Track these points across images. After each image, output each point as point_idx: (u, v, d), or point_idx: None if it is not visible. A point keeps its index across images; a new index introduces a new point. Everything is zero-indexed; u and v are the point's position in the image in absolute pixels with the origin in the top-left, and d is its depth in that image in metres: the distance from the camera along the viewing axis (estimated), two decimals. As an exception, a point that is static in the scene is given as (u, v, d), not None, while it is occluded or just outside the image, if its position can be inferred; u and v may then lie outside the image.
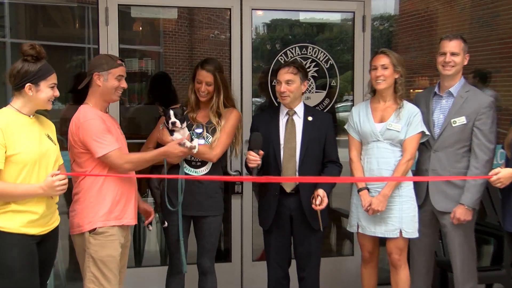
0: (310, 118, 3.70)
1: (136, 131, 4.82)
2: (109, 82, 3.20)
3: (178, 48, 6.57)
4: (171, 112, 3.40)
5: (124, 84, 3.26)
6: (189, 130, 3.55)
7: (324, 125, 3.73)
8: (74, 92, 4.65)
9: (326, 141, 3.70)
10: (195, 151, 3.44)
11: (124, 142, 3.32)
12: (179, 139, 3.38)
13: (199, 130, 3.64)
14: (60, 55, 6.18)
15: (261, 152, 3.48)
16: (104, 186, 3.16)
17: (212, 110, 3.66)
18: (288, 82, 3.61)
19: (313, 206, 3.54)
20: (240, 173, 4.50)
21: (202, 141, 3.60)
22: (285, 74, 3.62)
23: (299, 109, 3.72)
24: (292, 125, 3.67)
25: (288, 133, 3.66)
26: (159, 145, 3.61)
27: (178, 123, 3.40)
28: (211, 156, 3.60)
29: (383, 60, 3.66)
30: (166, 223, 3.62)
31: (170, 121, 3.40)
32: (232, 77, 4.55)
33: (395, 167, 3.64)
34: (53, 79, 2.89)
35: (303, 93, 3.76)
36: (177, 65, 6.42)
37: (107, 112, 3.33)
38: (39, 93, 2.85)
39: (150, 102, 5.14)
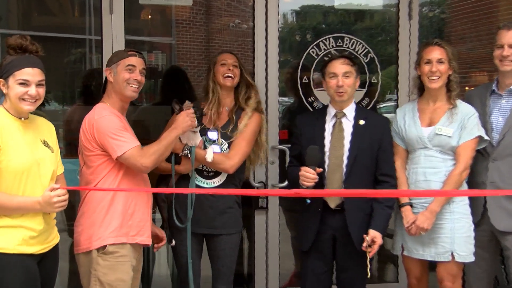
0: (361, 122, 3.69)
1: (143, 135, 4.89)
2: (119, 74, 3.27)
3: (193, 40, 6.65)
4: (192, 110, 3.47)
5: (136, 76, 3.29)
6: (202, 135, 3.61)
7: (378, 130, 3.71)
8: (84, 92, 4.79)
9: (380, 149, 3.68)
10: (209, 160, 3.49)
11: None
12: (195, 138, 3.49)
13: (213, 135, 3.67)
14: (57, 47, 6.27)
15: (319, 169, 3.48)
16: (116, 197, 3.21)
17: (241, 97, 3.75)
18: (346, 75, 3.62)
19: (363, 248, 3.53)
20: (265, 185, 4.53)
21: (217, 148, 3.64)
22: (342, 66, 3.62)
23: (350, 110, 3.71)
24: (340, 130, 3.67)
25: (335, 139, 3.66)
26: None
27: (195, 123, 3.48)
28: (227, 166, 3.63)
29: (438, 53, 3.64)
30: (173, 242, 3.66)
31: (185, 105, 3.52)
32: (255, 72, 4.59)
33: (446, 179, 3.63)
34: (22, 74, 2.87)
35: None
36: (192, 59, 6.48)
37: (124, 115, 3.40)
38: (10, 90, 2.88)
39: (160, 102, 5.21)
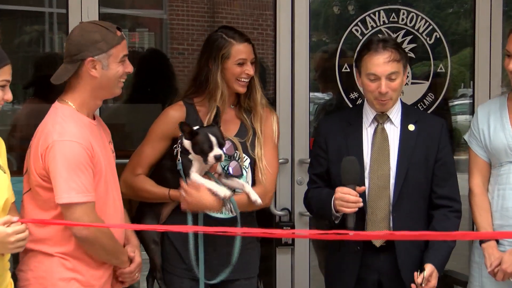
0: (411, 127, 3.71)
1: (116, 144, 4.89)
2: (112, 69, 3.21)
3: (191, 14, 6.66)
4: (213, 138, 3.42)
5: (129, 68, 3.29)
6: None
7: (435, 137, 3.72)
8: (37, 84, 4.82)
9: (437, 163, 3.70)
10: (259, 202, 3.53)
11: (111, 161, 3.36)
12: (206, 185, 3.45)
13: (230, 150, 3.63)
14: (8, 24, 6.32)
15: (361, 188, 3.48)
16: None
17: (259, 104, 3.71)
18: (392, 77, 3.59)
19: (413, 286, 3.51)
20: (291, 213, 4.52)
21: (237, 168, 3.65)
22: (386, 66, 3.58)
23: (395, 112, 3.72)
24: (384, 139, 3.69)
25: (377, 151, 3.68)
26: (158, 170, 3.68)
27: (223, 156, 3.46)
28: (268, 201, 3.74)
29: None
30: None
31: (213, 155, 3.41)
32: (277, 59, 4.64)
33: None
34: None
35: None
36: (190, 40, 6.49)
37: (94, 118, 3.36)
38: None
39: (129, 99, 5.25)
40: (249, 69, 3.62)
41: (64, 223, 3.13)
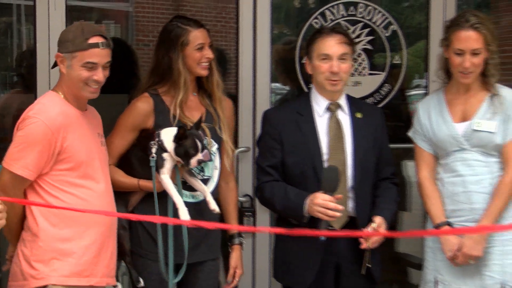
0: (359, 115, 3.77)
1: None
2: (74, 70, 3.24)
3: (156, 7, 6.67)
4: (199, 144, 3.46)
5: (98, 76, 3.27)
6: None
7: (377, 125, 3.82)
8: (20, 75, 4.83)
9: (381, 147, 3.80)
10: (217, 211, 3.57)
11: (98, 151, 3.39)
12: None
13: (204, 156, 3.61)
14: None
15: (339, 196, 3.51)
16: (62, 221, 3.22)
17: (217, 90, 3.75)
18: (343, 57, 3.65)
19: (361, 240, 3.58)
20: (252, 198, 4.57)
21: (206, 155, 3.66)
22: (337, 46, 3.65)
23: (343, 100, 3.78)
24: (339, 127, 3.73)
25: (333, 138, 3.72)
26: (126, 159, 3.70)
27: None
28: (233, 185, 3.94)
29: (474, 41, 3.65)
30: (142, 282, 3.64)
31: (196, 159, 3.46)
32: (240, 50, 4.64)
33: (495, 190, 3.69)
34: None
35: None
36: (155, 32, 6.44)
37: (85, 110, 3.40)
38: None
39: (102, 89, 5.19)
40: (208, 53, 3.67)
41: (37, 204, 3.22)
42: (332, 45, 3.64)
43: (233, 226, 3.92)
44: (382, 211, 3.66)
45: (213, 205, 3.54)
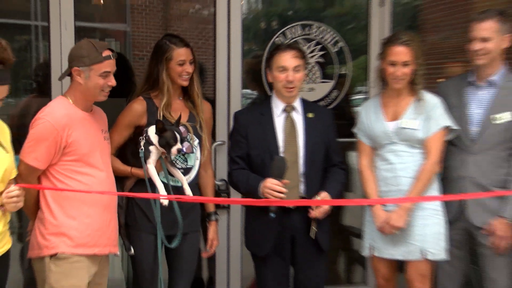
0: (310, 115, 3.79)
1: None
2: (92, 80, 3.24)
3: (149, 27, 6.64)
4: (178, 135, 3.45)
5: (111, 82, 3.29)
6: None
7: (327, 122, 3.83)
8: (37, 82, 4.77)
9: (330, 141, 3.81)
10: (185, 190, 3.56)
11: (100, 144, 3.37)
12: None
13: (187, 148, 3.66)
14: (1, 34, 6.22)
15: (286, 181, 3.53)
16: (69, 202, 3.24)
17: (198, 96, 3.74)
18: (297, 69, 3.67)
19: (309, 210, 3.61)
20: (227, 182, 4.56)
21: (188, 147, 3.67)
22: (292, 59, 3.66)
23: (298, 103, 3.80)
24: (292, 125, 3.75)
25: (288, 134, 3.73)
26: (123, 151, 3.70)
27: (182, 151, 3.52)
28: (210, 172, 3.92)
29: (404, 55, 3.68)
30: (132, 250, 3.65)
31: (176, 148, 3.45)
32: (217, 63, 4.62)
33: (417, 175, 3.73)
34: None
35: None
36: (148, 47, 6.46)
37: (91, 110, 3.39)
38: None
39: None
40: (188, 68, 3.65)
41: (47, 188, 3.21)
42: (287, 59, 3.66)
43: (209, 199, 3.94)
44: (327, 189, 3.67)
45: (188, 192, 3.55)
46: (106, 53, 3.24)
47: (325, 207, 3.64)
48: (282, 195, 3.49)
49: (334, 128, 3.87)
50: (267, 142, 3.70)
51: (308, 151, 3.72)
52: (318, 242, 3.73)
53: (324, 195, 3.62)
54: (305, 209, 3.67)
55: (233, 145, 3.84)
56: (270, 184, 3.50)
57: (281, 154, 3.67)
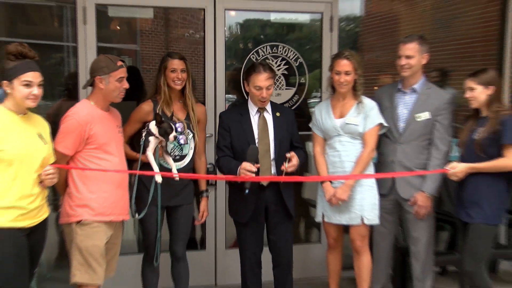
0: (278, 114, 3.78)
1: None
2: (111, 85, 3.24)
3: (154, 47, 6.60)
4: (173, 126, 3.43)
5: (125, 85, 3.30)
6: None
7: (290, 119, 3.84)
8: (68, 89, 4.71)
9: (293, 133, 3.81)
10: (177, 179, 3.47)
11: (115, 137, 3.33)
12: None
13: (180, 127, 3.63)
14: (39, 53, 6.11)
15: (257, 165, 3.52)
16: (90, 181, 3.23)
17: (189, 99, 3.71)
18: (268, 88, 3.64)
19: (282, 166, 3.59)
20: (214, 166, 4.54)
21: (183, 139, 3.65)
22: (266, 81, 3.61)
23: (268, 106, 3.80)
24: (264, 122, 3.73)
25: (261, 130, 3.71)
26: (132, 141, 3.69)
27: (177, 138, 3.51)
28: (203, 160, 3.86)
29: (346, 66, 3.70)
30: (137, 215, 3.60)
31: (173, 135, 3.42)
32: (206, 74, 4.60)
33: (357, 159, 3.75)
34: (27, 76, 2.85)
35: None
36: (154, 62, 6.43)
37: (108, 110, 3.36)
38: (14, 90, 2.87)
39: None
40: (179, 75, 3.63)
41: (72, 167, 3.21)
42: (262, 80, 3.61)
43: (200, 175, 3.91)
44: (296, 152, 3.68)
45: (176, 175, 3.47)
46: (119, 63, 3.26)
47: (294, 163, 3.61)
48: (253, 174, 3.47)
49: (295, 124, 3.87)
50: (245, 136, 3.69)
51: (277, 142, 3.71)
52: (287, 208, 3.72)
53: (292, 154, 3.62)
54: (277, 186, 3.68)
55: (219, 137, 3.82)
56: (245, 165, 3.49)
57: (257, 145, 3.66)
